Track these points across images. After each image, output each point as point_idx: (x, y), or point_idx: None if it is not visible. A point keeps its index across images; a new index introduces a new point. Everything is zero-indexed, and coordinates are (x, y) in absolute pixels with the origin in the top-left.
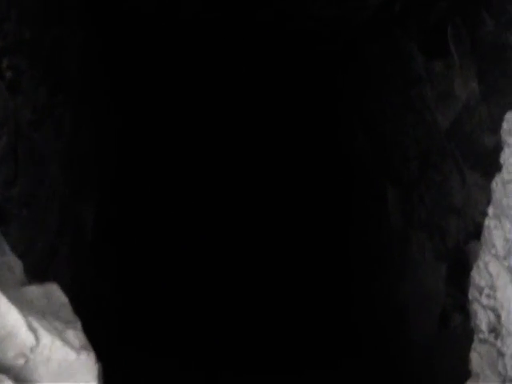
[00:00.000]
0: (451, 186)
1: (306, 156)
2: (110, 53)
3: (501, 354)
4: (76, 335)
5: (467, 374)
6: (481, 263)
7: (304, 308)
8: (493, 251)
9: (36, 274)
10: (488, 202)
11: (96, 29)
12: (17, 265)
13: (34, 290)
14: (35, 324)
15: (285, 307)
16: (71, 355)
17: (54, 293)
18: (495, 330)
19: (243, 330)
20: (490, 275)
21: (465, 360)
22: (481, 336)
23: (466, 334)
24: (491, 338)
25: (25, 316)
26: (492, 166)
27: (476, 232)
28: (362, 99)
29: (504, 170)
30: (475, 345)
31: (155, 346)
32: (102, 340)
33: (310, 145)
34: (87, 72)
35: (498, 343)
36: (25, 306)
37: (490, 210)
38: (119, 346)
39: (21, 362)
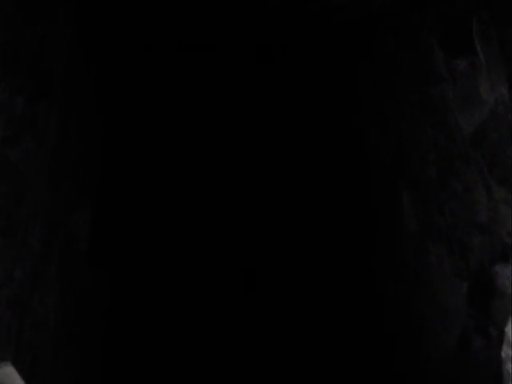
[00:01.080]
0: (475, 199)
1: (316, 153)
2: (100, 50)
3: None
4: None
5: None
6: None
7: (311, 318)
8: None
9: (16, 305)
10: None
11: (86, 24)
12: None
13: None
14: None
15: (290, 314)
16: None
17: (10, 376)
18: None
19: (251, 348)
20: None
21: None
22: None
23: (488, 360)
24: None
25: None
26: None
27: (503, 253)
28: (376, 95)
29: None
30: None
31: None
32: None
33: (321, 142)
34: (76, 73)
35: None
36: None
37: None
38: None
39: None
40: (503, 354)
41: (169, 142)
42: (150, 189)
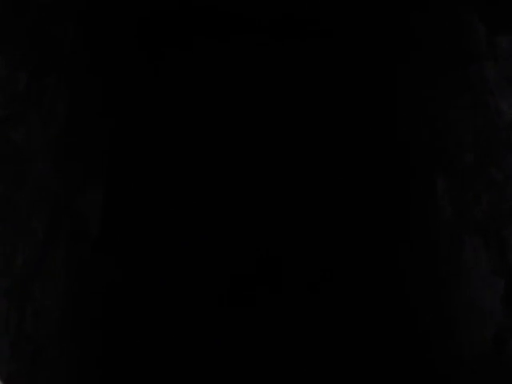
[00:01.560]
0: None
1: (345, 135)
2: (112, 27)
3: None
4: None
5: None
6: None
7: (335, 308)
8: None
9: (15, 294)
10: None
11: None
12: None
13: None
14: None
15: (314, 307)
16: None
17: None
18: None
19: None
20: None
21: None
22: None
23: None
24: None
25: None
26: None
27: None
28: (411, 72)
29: None
30: None
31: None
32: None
33: (350, 122)
34: (86, 47)
35: None
36: None
37: None
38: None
39: None
40: None
41: (186, 119)
42: (166, 171)
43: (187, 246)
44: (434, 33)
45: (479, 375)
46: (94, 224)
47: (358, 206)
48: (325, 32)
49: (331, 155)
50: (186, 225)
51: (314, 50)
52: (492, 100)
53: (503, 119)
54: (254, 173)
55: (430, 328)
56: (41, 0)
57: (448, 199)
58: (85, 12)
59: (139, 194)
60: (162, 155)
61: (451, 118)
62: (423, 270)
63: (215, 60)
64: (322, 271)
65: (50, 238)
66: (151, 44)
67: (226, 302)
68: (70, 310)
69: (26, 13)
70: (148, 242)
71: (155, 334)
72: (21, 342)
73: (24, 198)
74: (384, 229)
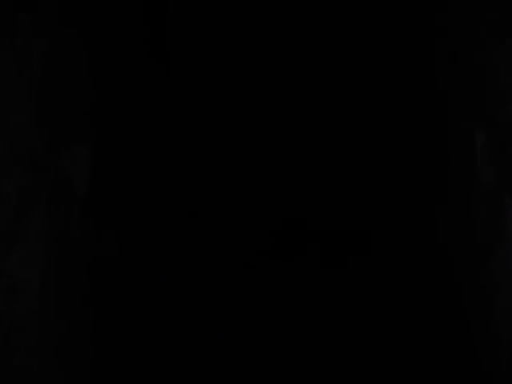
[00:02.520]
0: None
1: (379, 82)
2: None
3: None
4: None
5: None
6: None
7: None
8: None
9: None
10: None
11: None
12: None
13: None
14: None
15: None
16: None
17: None
18: None
19: None
20: None
21: None
22: None
23: None
24: None
25: None
26: None
27: None
28: (445, 16)
29: None
30: None
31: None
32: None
33: (384, 71)
34: None
35: None
36: None
37: None
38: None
39: None
40: None
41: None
42: (167, 117)
43: (196, 218)
44: None
45: None
46: (81, 185)
47: (393, 164)
48: None
49: (365, 110)
50: (193, 193)
51: None
52: None
53: None
54: (279, 129)
55: (467, 301)
56: None
57: (488, 157)
58: None
59: (134, 151)
60: (162, 109)
61: (492, 65)
62: (461, 234)
63: None
64: (355, 234)
65: (26, 201)
66: None
67: (245, 272)
68: (53, 284)
69: None
70: (144, 205)
71: (152, 314)
72: None
73: None
74: (420, 188)
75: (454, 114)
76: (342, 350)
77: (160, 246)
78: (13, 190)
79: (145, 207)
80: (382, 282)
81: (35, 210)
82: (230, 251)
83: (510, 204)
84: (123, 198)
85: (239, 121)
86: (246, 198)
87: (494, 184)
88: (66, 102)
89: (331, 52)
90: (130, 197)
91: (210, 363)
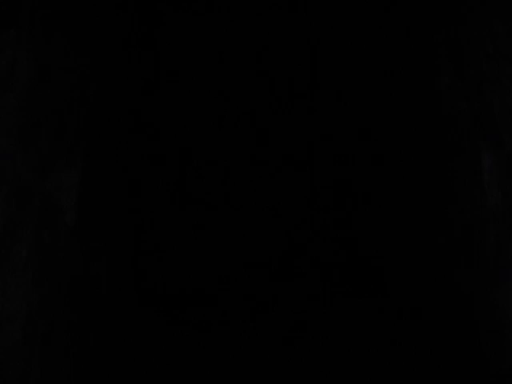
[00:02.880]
0: None
1: (375, 96)
2: None
3: None
4: None
5: None
6: None
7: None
8: None
9: None
10: None
11: None
12: None
13: None
14: None
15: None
16: None
17: None
18: None
19: None
20: None
21: None
22: None
23: None
24: None
25: None
26: None
27: None
28: (451, 24)
29: None
30: None
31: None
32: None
33: (382, 83)
34: None
35: None
36: None
37: None
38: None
39: None
40: None
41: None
42: (158, 141)
43: (185, 243)
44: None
45: None
46: (69, 212)
47: (399, 187)
48: None
49: (372, 130)
50: (183, 216)
51: None
52: None
53: None
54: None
55: (478, 324)
56: None
57: (496, 178)
58: None
59: (124, 176)
60: (156, 122)
61: (500, 80)
62: (468, 263)
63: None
64: (366, 268)
65: (12, 229)
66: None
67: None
68: (39, 315)
69: None
70: (135, 232)
71: (138, 346)
72: None
73: None
74: (424, 215)
75: (461, 134)
76: (334, 358)
77: (151, 274)
78: None
79: (134, 233)
80: (387, 314)
81: (20, 237)
82: (228, 277)
83: None
84: (112, 223)
85: (239, 153)
86: (247, 225)
87: (501, 207)
88: (53, 124)
89: (337, 73)
90: (119, 222)
91: (195, 374)
